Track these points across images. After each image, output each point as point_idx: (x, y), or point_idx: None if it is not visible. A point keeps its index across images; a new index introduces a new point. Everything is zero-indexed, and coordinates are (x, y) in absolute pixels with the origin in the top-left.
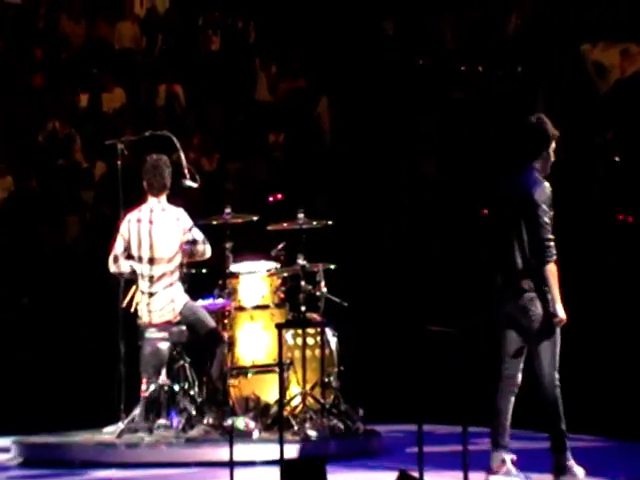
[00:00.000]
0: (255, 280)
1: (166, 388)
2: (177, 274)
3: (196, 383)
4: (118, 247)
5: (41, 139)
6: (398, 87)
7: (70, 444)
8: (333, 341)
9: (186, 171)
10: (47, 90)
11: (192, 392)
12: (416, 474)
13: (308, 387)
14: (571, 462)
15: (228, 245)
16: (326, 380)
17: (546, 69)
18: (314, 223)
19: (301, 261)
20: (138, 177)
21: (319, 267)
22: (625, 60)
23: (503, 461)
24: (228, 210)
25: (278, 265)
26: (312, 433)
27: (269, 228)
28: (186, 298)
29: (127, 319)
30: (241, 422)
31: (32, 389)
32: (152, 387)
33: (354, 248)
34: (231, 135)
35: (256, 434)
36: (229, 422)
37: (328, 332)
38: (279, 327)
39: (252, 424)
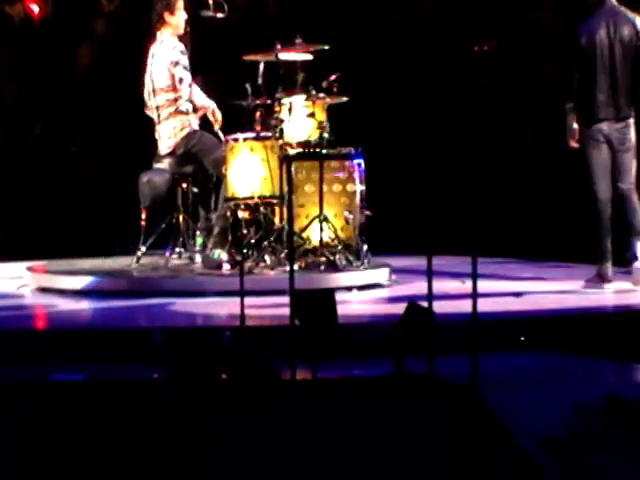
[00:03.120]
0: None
1: (167, 219)
2: (182, 104)
3: (200, 215)
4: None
5: None
6: None
7: (83, 271)
8: (358, 176)
9: (210, 1)
10: None
11: (194, 223)
12: (426, 305)
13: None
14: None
15: (300, 76)
16: (331, 215)
17: None
18: (292, 55)
19: (278, 94)
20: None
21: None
22: None
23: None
24: (299, 40)
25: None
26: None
27: (244, 58)
28: (190, 129)
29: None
30: (218, 254)
31: (45, 216)
32: (152, 217)
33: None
34: None
35: (226, 267)
36: (208, 253)
37: (356, 167)
38: (287, 159)
39: (225, 257)
